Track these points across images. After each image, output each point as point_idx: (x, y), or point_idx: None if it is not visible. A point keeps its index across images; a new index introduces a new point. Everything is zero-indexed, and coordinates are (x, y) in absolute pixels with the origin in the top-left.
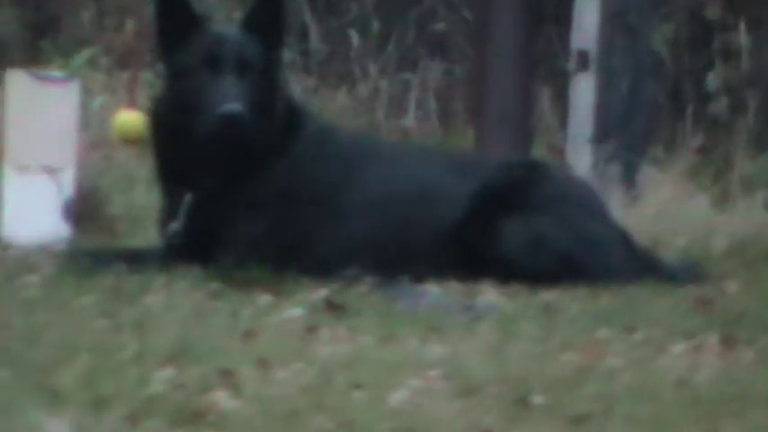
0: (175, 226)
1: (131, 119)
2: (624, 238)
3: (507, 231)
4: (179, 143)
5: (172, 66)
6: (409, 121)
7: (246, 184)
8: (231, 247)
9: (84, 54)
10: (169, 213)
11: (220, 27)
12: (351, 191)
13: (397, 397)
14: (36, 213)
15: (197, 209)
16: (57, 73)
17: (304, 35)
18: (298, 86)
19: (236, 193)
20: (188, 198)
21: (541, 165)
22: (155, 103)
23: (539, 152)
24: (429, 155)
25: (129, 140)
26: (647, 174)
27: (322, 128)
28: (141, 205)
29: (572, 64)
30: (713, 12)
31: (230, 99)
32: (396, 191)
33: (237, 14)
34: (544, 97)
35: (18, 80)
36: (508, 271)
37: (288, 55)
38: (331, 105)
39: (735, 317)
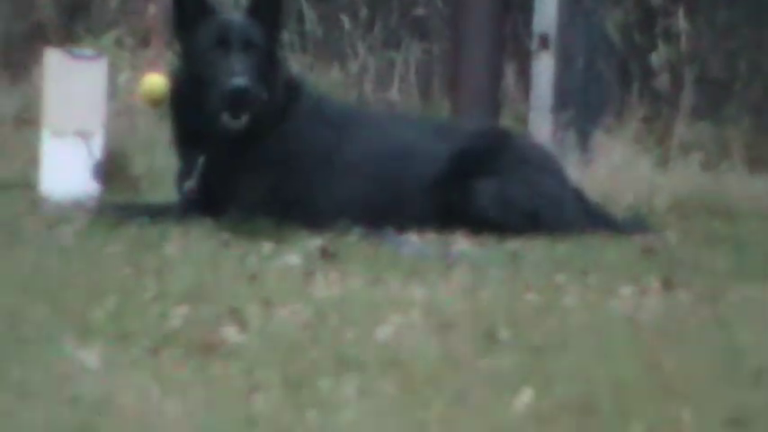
0: (190, 184)
1: (157, 81)
2: (579, 196)
3: (480, 190)
4: (194, 112)
5: (187, 46)
6: (393, 94)
7: (253, 147)
8: (239, 203)
9: (112, 35)
10: (185, 173)
11: (227, 13)
12: (343, 152)
13: (383, 332)
14: (70, 172)
15: (209, 169)
16: (88, 51)
17: (301, 19)
18: (296, 64)
19: (244, 155)
20: (201, 160)
21: (509, 133)
22: (173, 78)
23: (505, 121)
24: (412, 122)
25: (153, 101)
26: (600, 140)
27: (317, 98)
28: (161, 166)
29: (534, 45)
30: None
31: (238, 74)
32: (382, 153)
33: (244, 1)
34: (510, 73)
35: (55, 57)
36: (480, 223)
37: (287, 36)
38: (325, 80)
39: (674, 263)
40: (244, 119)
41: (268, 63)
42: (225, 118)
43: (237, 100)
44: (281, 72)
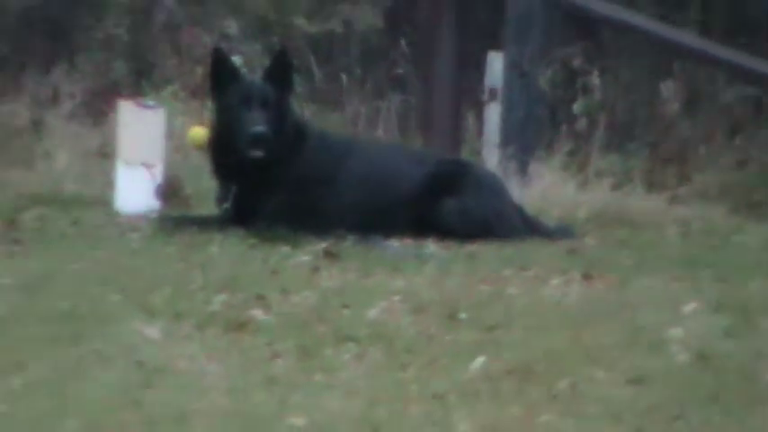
0: (226, 206)
1: (200, 131)
2: (520, 210)
3: (445, 206)
4: (227, 153)
5: (220, 103)
6: (379, 133)
7: (271, 176)
8: (263, 217)
9: (169, 89)
10: (222, 197)
11: (250, 78)
12: (341, 177)
13: (372, 313)
14: (138, 193)
15: (240, 194)
16: (151, 102)
17: (310, 76)
18: (305, 110)
19: (265, 182)
20: (234, 188)
21: (468, 162)
22: (210, 128)
23: (464, 153)
24: (394, 151)
25: (197, 145)
26: (534, 168)
27: (320, 134)
28: (206, 188)
29: (485, 96)
30: (577, 62)
31: (258, 123)
32: (371, 177)
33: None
34: (468, 118)
35: (126, 107)
36: (445, 232)
37: (298, 89)
38: (327, 123)
39: (592, 261)
40: (261, 152)
41: (279, 113)
42: (249, 152)
43: (258, 141)
44: (291, 119)
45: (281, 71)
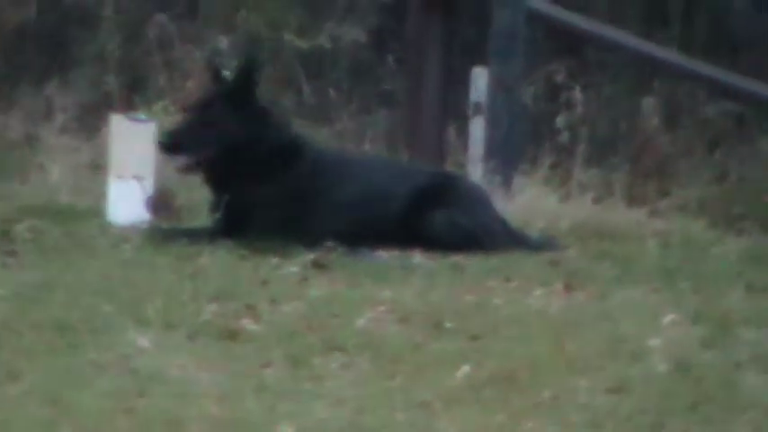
0: (218, 216)
1: None
2: (504, 222)
3: (432, 218)
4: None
5: None
6: (366, 147)
7: (264, 188)
8: (254, 228)
9: (160, 104)
10: (214, 207)
11: (208, 90)
12: (332, 192)
13: (360, 323)
14: (129, 205)
15: (232, 205)
16: (142, 116)
17: (299, 91)
18: (295, 125)
19: (258, 194)
20: (225, 198)
21: (453, 175)
22: None
23: (449, 167)
24: (383, 166)
25: None
26: (518, 181)
27: (316, 149)
28: (197, 199)
29: (471, 111)
30: (560, 78)
31: (165, 133)
32: (361, 190)
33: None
34: (453, 132)
35: (118, 121)
36: (432, 243)
37: (288, 104)
38: (315, 137)
39: (574, 272)
40: (179, 159)
41: (231, 127)
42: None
43: (160, 147)
44: (284, 133)
45: (242, 86)
